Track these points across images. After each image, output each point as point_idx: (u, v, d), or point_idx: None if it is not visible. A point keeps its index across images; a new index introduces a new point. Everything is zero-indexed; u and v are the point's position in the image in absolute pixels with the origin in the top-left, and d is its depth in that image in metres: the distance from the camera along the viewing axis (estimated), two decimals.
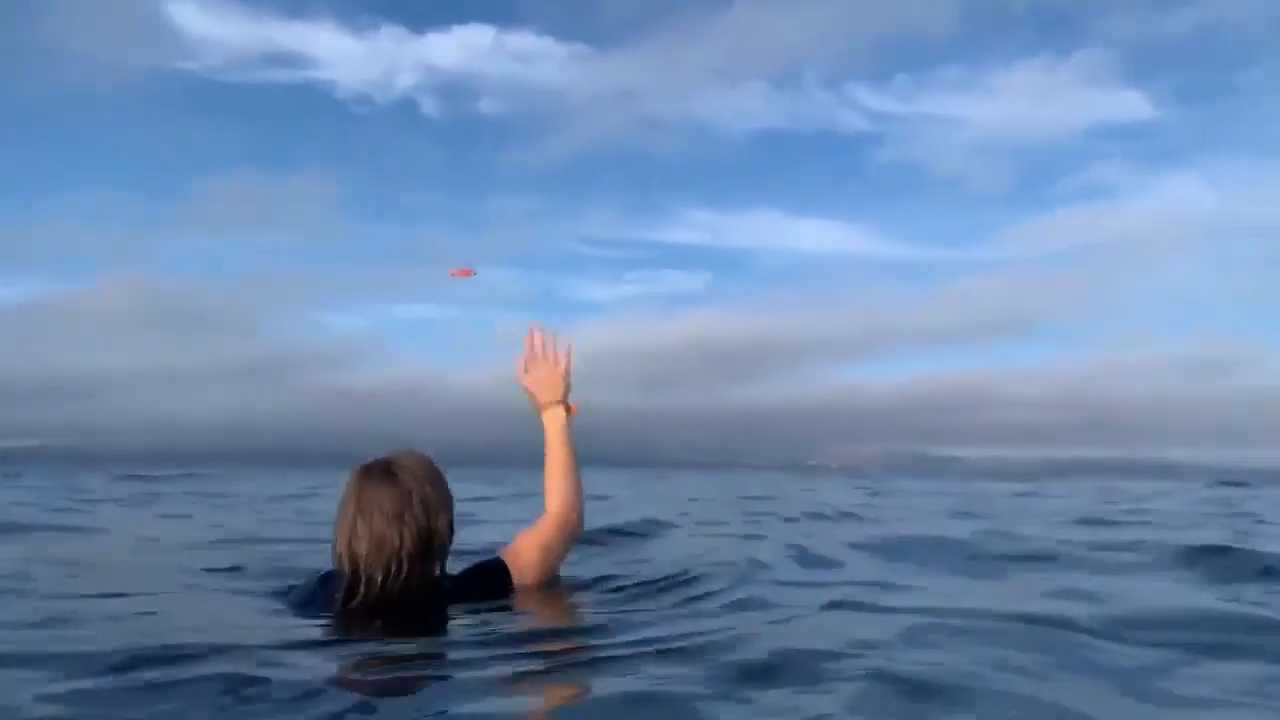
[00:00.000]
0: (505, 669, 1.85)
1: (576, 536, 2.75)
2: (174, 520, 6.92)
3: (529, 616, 2.45)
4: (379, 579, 2.32)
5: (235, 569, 3.58)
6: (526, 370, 2.83)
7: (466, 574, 2.56)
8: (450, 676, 1.83)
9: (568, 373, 2.81)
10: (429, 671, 1.88)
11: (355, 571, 2.34)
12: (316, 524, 5.91)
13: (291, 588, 2.73)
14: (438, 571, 2.45)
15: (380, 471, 2.40)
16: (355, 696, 1.63)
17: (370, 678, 1.82)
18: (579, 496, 2.74)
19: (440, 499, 2.44)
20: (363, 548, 2.33)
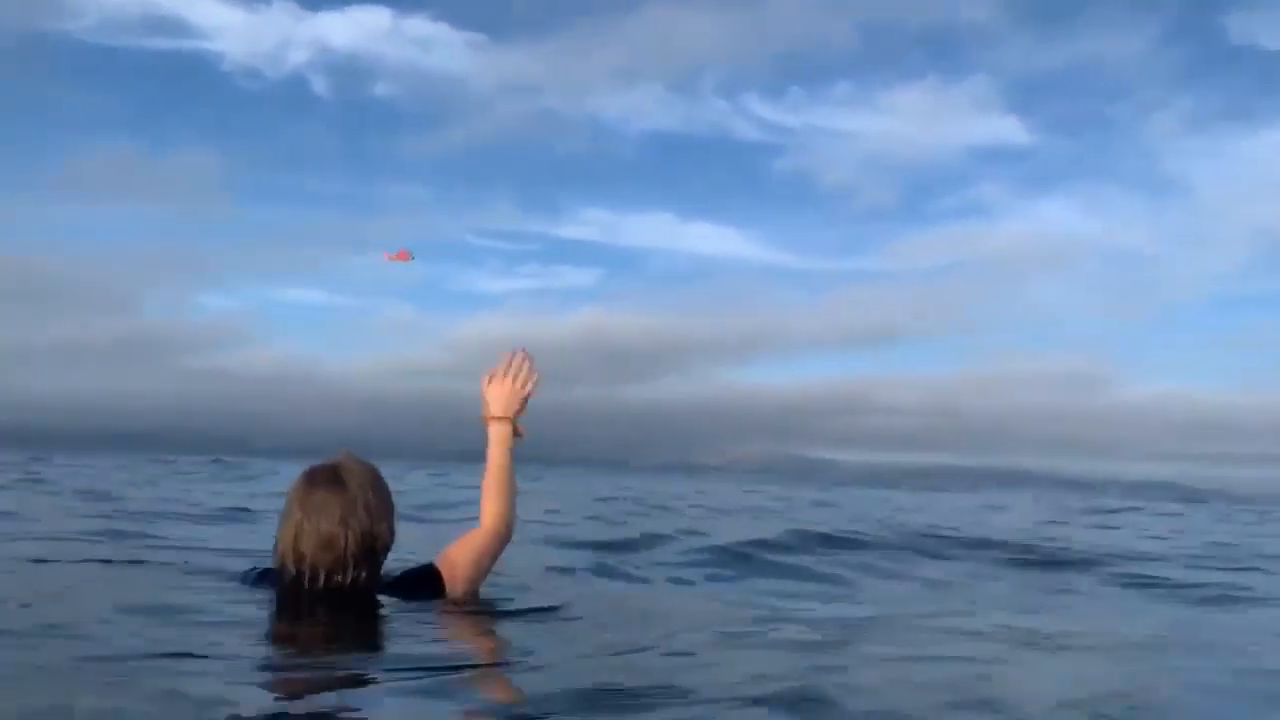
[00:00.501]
0: (420, 672, 1.93)
1: (503, 548, 2.85)
2: None
3: (452, 624, 2.57)
4: (321, 578, 2.43)
5: None
6: (490, 381, 2.91)
7: (400, 579, 2.64)
8: (369, 678, 1.91)
9: (527, 397, 2.91)
10: (347, 670, 1.98)
11: (299, 569, 2.44)
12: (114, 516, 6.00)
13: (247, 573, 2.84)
14: (368, 577, 2.52)
15: (327, 476, 2.50)
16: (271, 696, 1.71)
17: (292, 675, 1.92)
18: (512, 511, 2.82)
19: (382, 505, 2.54)
20: (309, 547, 2.42)
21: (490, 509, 2.80)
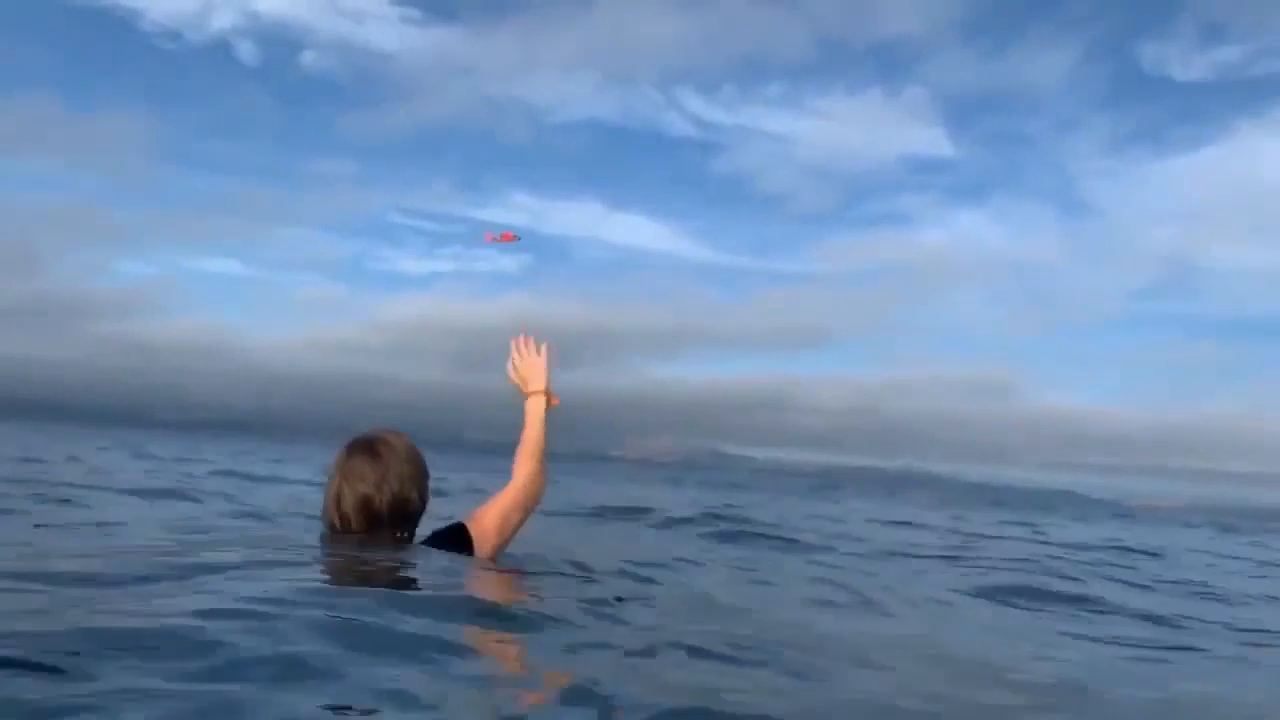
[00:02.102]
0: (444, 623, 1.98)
1: (532, 509, 3.09)
2: None
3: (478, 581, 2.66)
4: (361, 537, 2.74)
5: None
6: (515, 368, 3.26)
7: (431, 538, 2.88)
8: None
9: (548, 367, 3.23)
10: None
11: (343, 527, 2.76)
12: None
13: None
14: (407, 536, 2.83)
15: (364, 446, 2.81)
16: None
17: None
18: (543, 475, 3.11)
19: (415, 473, 2.83)
20: (349, 509, 2.74)
21: (522, 469, 3.08)
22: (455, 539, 2.87)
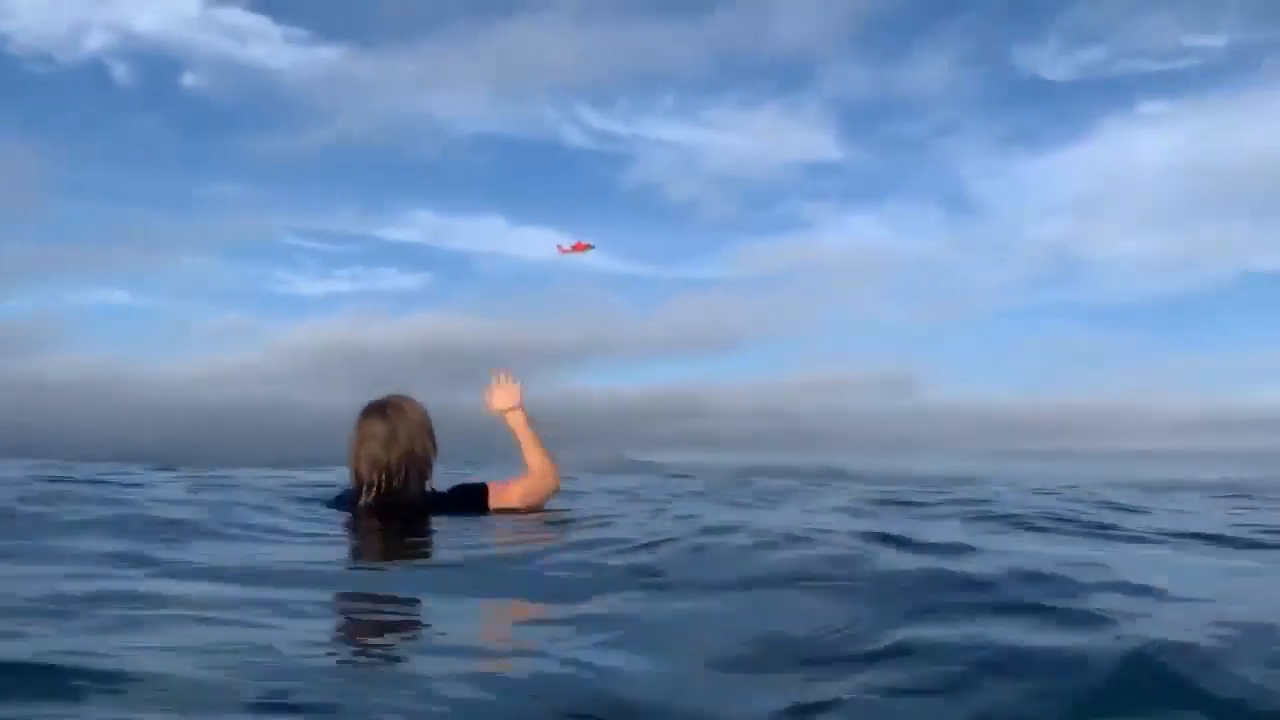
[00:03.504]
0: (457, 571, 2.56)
1: (551, 493, 3.73)
2: None
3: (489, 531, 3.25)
4: (376, 485, 3.34)
5: None
6: (493, 393, 3.72)
7: (452, 491, 3.54)
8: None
9: (520, 392, 3.73)
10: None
11: (360, 480, 3.38)
12: None
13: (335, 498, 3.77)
14: (426, 487, 3.46)
15: (377, 409, 3.42)
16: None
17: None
18: (553, 464, 3.69)
19: (420, 430, 3.43)
20: (364, 464, 3.35)
21: (533, 460, 3.65)
22: (471, 496, 3.52)
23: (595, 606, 2.10)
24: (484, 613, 2.19)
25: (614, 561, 2.60)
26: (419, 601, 2.23)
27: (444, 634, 1.90)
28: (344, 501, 3.62)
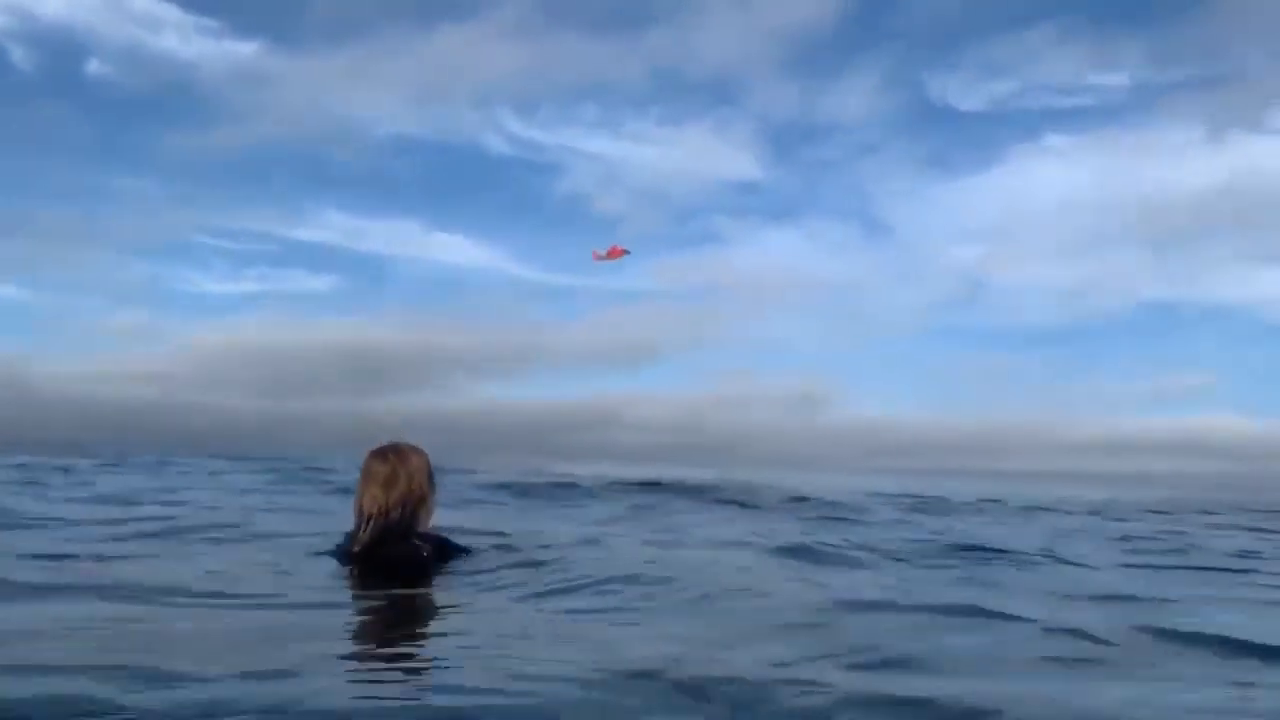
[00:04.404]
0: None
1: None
2: None
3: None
4: (375, 520, 3.61)
5: None
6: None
7: (444, 541, 3.83)
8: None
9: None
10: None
11: (361, 518, 3.64)
12: None
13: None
14: (418, 528, 3.70)
15: (381, 454, 3.69)
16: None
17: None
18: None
19: (420, 478, 3.69)
20: (366, 503, 3.62)
21: None
22: (456, 553, 3.84)
23: None
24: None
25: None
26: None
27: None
28: (340, 549, 3.81)
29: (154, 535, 5.18)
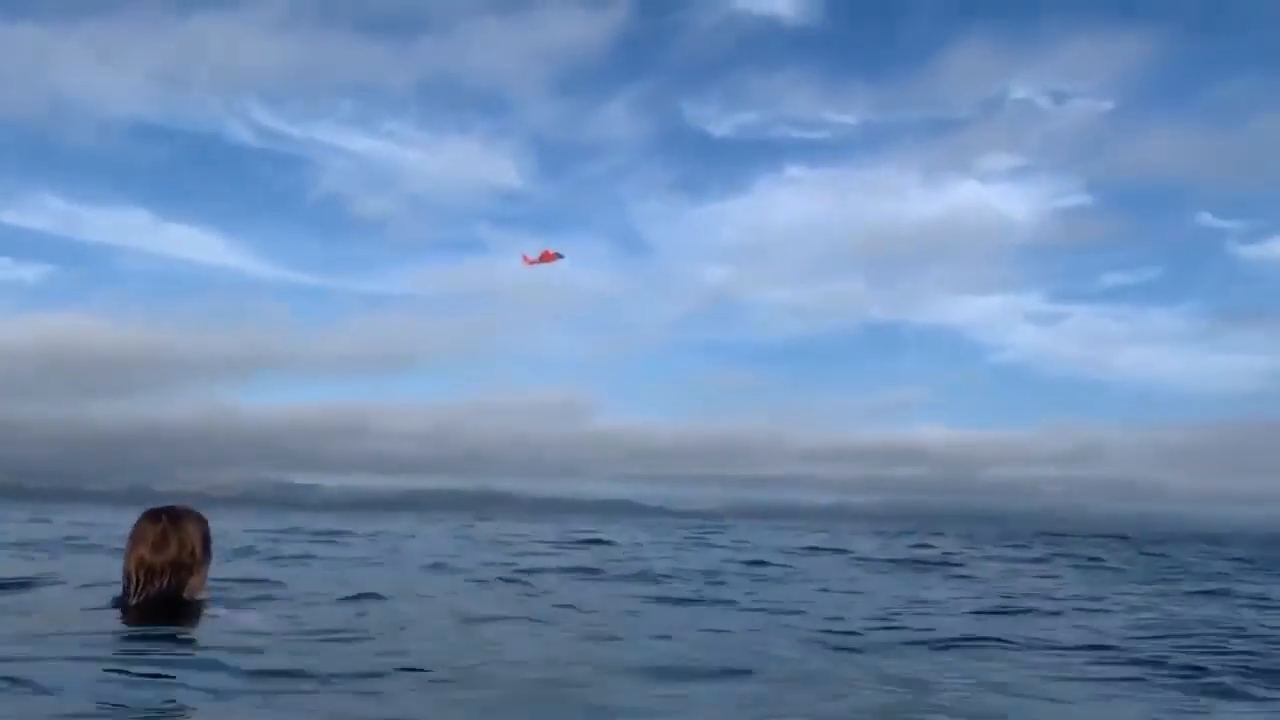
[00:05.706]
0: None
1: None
2: None
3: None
4: (141, 587, 3.50)
5: None
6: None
7: (210, 609, 3.70)
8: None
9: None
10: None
11: (129, 580, 3.54)
12: None
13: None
14: (185, 592, 3.58)
15: (154, 516, 3.59)
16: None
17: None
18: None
19: (191, 542, 3.59)
20: (132, 566, 3.52)
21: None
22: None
23: None
24: None
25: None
26: None
27: None
28: (118, 599, 3.69)
29: None
